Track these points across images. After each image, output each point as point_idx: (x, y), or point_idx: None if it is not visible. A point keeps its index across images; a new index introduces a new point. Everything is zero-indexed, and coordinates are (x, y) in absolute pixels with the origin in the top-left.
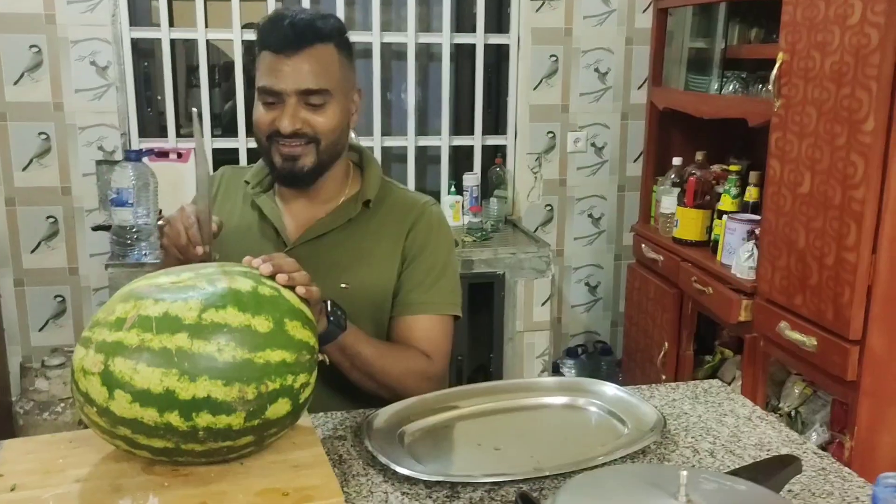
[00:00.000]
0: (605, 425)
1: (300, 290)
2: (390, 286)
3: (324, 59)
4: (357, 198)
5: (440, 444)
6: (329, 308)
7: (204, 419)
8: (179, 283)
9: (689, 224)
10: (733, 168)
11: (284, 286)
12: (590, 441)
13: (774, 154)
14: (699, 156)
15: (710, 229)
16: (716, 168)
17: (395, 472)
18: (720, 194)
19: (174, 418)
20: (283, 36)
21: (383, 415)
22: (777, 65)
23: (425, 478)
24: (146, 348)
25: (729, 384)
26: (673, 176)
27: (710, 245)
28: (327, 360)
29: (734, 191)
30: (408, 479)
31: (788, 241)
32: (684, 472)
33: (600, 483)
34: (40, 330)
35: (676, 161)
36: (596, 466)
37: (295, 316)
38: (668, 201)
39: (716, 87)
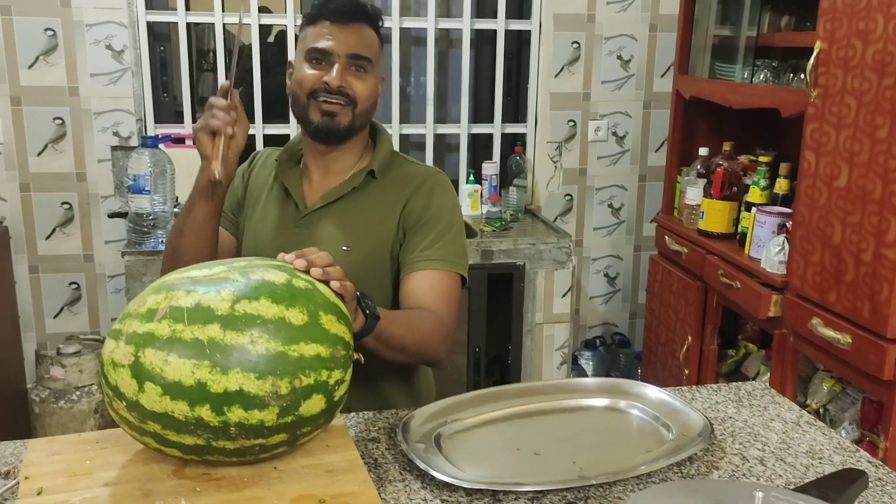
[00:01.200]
0: (649, 430)
1: (335, 284)
2: (387, 248)
3: (371, 36)
4: (364, 170)
5: (478, 448)
6: (360, 300)
7: (236, 414)
8: (212, 275)
9: (715, 216)
10: (763, 159)
11: (319, 280)
12: (633, 446)
13: (809, 146)
14: (727, 146)
15: (736, 222)
16: (743, 159)
17: (433, 479)
18: (748, 186)
19: (205, 412)
20: (343, 9)
21: (419, 416)
22: (815, 53)
23: (468, 486)
24: (177, 339)
25: (753, 379)
26: (699, 166)
27: (737, 238)
28: (363, 360)
29: (763, 183)
30: (448, 485)
31: (823, 236)
32: (759, 493)
33: (668, 500)
34: (55, 317)
35: (703, 151)
36: (642, 475)
37: (330, 310)
38: (693, 192)
39: (745, 75)
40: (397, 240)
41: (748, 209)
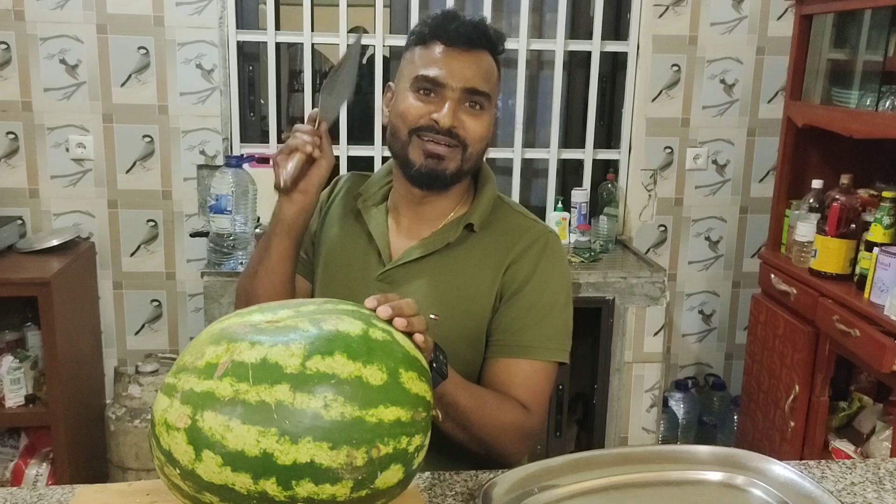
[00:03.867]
0: None
1: (418, 338)
2: (485, 321)
3: (490, 66)
4: (461, 220)
5: None
6: (433, 353)
7: (305, 488)
8: (277, 322)
9: (829, 255)
10: (887, 195)
11: (402, 332)
12: None
13: None
14: (845, 179)
15: (854, 262)
16: (862, 193)
17: None
18: (868, 223)
19: (271, 487)
20: (463, 31)
21: (502, 484)
22: None
23: None
24: (241, 401)
25: (866, 436)
26: (811, 200)
27: (854, 280)
28: (440, 417)
29: (887, 220)
30: None
31: None
32: None
33: None
34: (136, 334)
35: (816, 184)
36: None
37: (410, 366)
38: (804, 228)
39: (867, 102)
40: (494, 309)
41: (869, 249)
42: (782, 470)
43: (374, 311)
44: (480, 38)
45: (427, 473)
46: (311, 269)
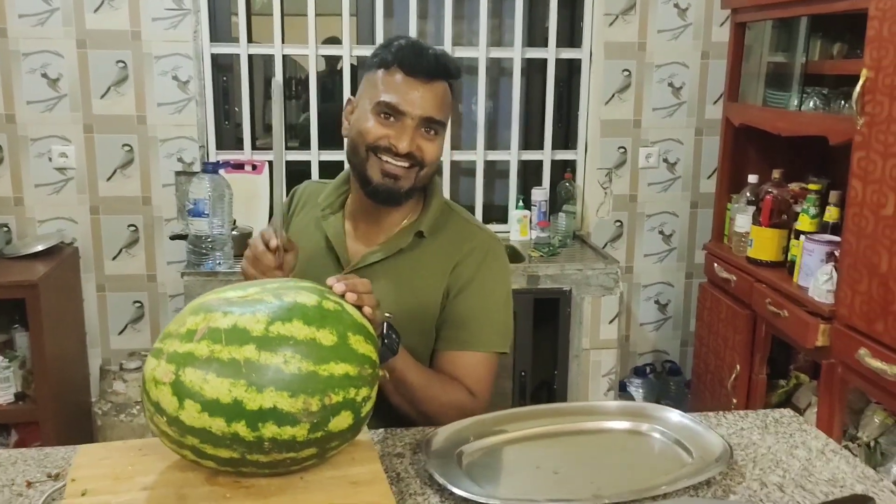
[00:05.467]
0: (669, 453)
1: (367, 310)
2: (434, 317)
3: (446, 95)
4: (412, 227)
5: (498, 466)
6: (385, 330)
7: (270, 430)
8: (247, 297)
9: (764, 244)
10: (813, 187)
11: (353, 305)
12: (652, 469)
13: (856, 174)
14: (776, 174)
15: (786, 250)
16: (793, 186)
17: (451, 493)
18: (797, 214)
19: (241, 428)
20: (425, 64)
21: (442, 434)
22: (860, 82)
23: (482, 500)
24: (216, 359)
25: (804, 411)
26: (748, 194)
27: (786, 266)
28: (387, 376)
29: (813, 210)
30: (465, 500)
31: (870, 265)
32: None
33: None
34: (119, 334)
35: (752, 179)
36: (658, 496)
37: (358, 330)
38: (742, 220)
39: (795, 103)
40: (442, 306)
41: (797, 237)
42: (679, 417)
43: (331, 287)
44: (440, 71)
45: (381, 430)
46: None
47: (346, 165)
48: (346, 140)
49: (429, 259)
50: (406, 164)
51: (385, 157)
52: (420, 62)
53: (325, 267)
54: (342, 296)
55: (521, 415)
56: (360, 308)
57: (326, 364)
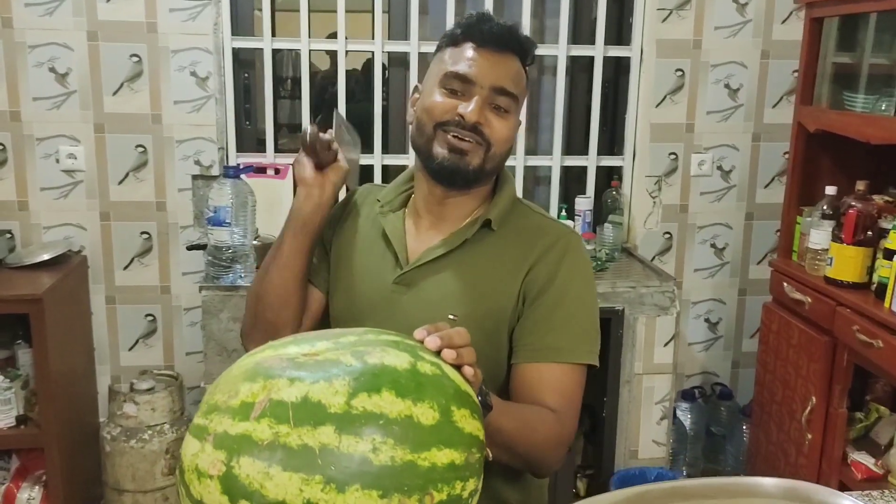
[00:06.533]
0: None
1: (468, 371)
2: (504, 319)
3: (519, 71)
4: (480, 218)
5: None
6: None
7: None
8: (316, 355)
9: (846, 263)
10: None
11: (451, 365)
12: None
13: None
14: (860, 185)
15: (871, 270)
16: (878, 200)
17: None
18: (885, 230)
19: None
20: (495, 34)
21: None
22: None
23: None
24: (282, 445)
25: (885, 448)
26: (825, 207)
27: (870, 288)
28: (491, 456)
29: None
30: None
31: None
32: None
33: None
34: (130, 350)
35: (830, 190)
36: None
37: (463, 402)
38: (818, 235)
39: (882, 107)
40: (516, 310)
41: (888, 257)
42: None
43: (422, 342)
44: (511, 42)
45: None
46: (324, 279)
47: (409, 164)
48: (413, 127)
49: (498, 255)
50: (473, 139)
51: (452, 131)
52: (490, 30)
53: (381, 267)
54: (437, 352)
55: (641, 496)
56: (458, 368)
57: (427, 451)
